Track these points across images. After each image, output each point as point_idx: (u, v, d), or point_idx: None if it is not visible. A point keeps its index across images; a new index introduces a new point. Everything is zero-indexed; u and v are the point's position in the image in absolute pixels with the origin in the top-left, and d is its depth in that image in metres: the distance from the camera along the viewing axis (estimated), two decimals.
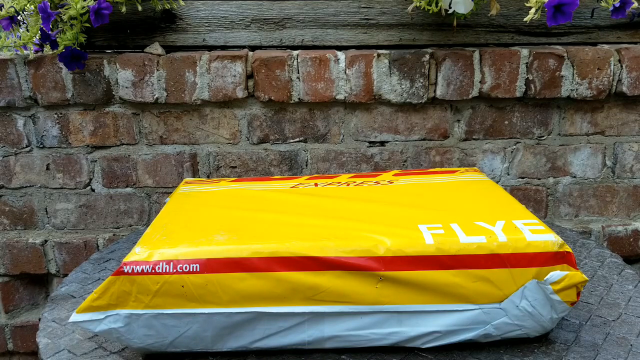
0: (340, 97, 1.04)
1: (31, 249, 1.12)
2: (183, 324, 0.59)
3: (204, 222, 0.67)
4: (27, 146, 1.08)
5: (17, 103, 1.05)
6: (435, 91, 1.04)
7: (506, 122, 1.08)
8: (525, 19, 0.88)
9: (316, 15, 1.07)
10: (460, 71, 1.03)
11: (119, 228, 1.13)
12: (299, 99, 1.04)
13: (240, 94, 1.04)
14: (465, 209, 0.69)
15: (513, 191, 1.11)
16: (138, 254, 0.59)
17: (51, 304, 0.76)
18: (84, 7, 0.94)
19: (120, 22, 1.06)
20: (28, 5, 0.98)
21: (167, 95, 1.04)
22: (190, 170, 1.09)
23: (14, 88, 1.04)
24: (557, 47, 1.06)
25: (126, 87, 1.04)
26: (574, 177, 1.11)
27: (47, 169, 1.09)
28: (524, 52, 1.03)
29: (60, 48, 0.97)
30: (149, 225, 0.77)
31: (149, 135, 1.08)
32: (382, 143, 1.08)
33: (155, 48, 1.05)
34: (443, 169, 0.90)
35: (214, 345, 0.61)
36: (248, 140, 1.08)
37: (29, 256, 1.13)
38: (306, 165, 1.09)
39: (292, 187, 0.82)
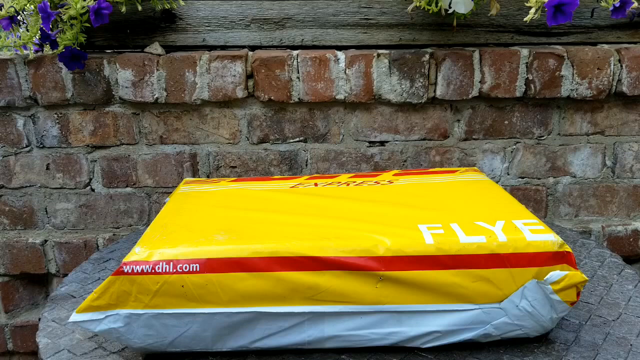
0: (340, 97, 1.04)
1: (31, 248, 1.12)
2: (183, 324, 0.59)
3: (204, 222, 0.67)
4: (27, 146, 1.08)
5: (17, 103, 1.05)
6: (435, 91, 1.04)
7: (506, 122, 1.08)
8: (525, 19, 0.88)
9: (316, 15, 1.07)
10: (460, 71, 1.03)
11: (119, 228, 1.13)
12: (299, 98, 1.04)
13: (240, 93, 1.04)
14: (465, 208, 0.69)
15: (513, 191, 1.11)
16: (138, 253, 0.59)
17: (51, 304, 0.76)
18: (84, 7, 0.94)
19: (120, 22, 1.06)
20: (28, 5, 0.98)
21: (167, 95, 1.04)
22: (190, 170, 1.09)
23: (14, 88, 1.04)
24: (557, 47, 1.06)
25: (126, 87, 1.04)
26: (574, 177, 1.11)
27: (47, 168, 1.09)
28: (524, 52, 1.03)
29: (60, 48, 0.97)
30: (149, 225, 0.77)
31: (149, 135, 1.08)
32: (382, 143, 1.08)
33: (155, 48, 1.05)
34: (443, 169, 0.90)
35: (214, 345, 0.61)
36: (248, 140, 1.08)
37: (29, 256, 1.13)
38: (306, 165, 1.09)
39: (292, 187, 0.82)
